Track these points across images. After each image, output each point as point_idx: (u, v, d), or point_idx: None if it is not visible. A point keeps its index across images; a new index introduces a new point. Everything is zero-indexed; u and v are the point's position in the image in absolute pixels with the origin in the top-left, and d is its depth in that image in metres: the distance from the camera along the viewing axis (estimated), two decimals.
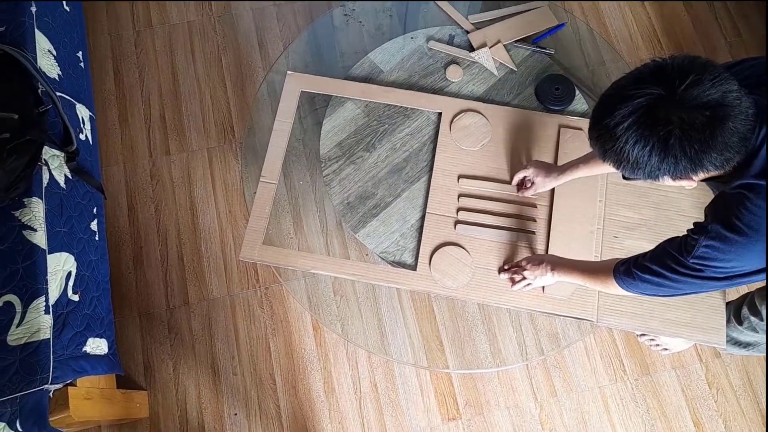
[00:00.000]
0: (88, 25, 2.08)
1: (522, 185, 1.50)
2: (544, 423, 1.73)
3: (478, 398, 1.75)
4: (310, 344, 1.81)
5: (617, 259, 1.21)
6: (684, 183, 0.94)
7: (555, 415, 1.74)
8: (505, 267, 1.44)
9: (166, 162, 2.04)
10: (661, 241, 1.12)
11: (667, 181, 0.93)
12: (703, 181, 0.99)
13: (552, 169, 1.44)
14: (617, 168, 0.95)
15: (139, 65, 2.17)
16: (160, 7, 2.25)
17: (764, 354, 1.55)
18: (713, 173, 0.92)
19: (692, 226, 1.04)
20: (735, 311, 1.50)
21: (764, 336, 1.46)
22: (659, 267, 1.08)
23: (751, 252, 0.95)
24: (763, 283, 1.54)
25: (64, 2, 1.81)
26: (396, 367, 1.78)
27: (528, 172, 1.46)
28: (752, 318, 1.44)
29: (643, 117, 0.87)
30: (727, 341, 1.49)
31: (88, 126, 1.74)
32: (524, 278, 1.37)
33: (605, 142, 0.92)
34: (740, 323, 1.49)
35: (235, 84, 2.14)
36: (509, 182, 1.52)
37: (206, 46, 2.20)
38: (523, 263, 1.38)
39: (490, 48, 1.67)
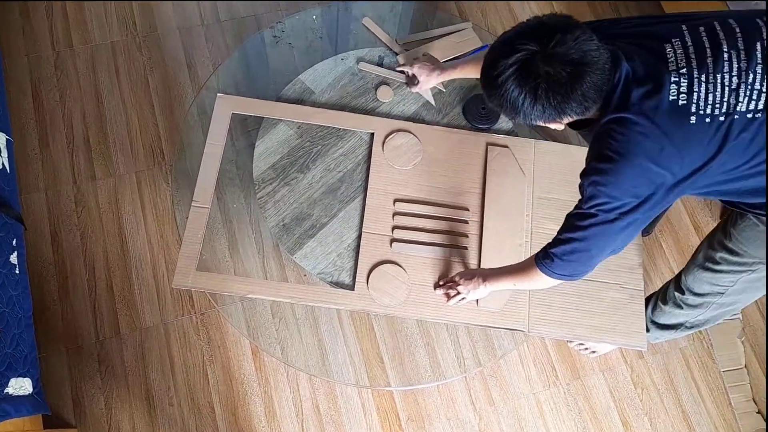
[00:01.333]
0: (2, 45, 1.99)
1: (412, 81, 1.66)
2: None
3: (419, 412, 1.78)
4: (249, 369, 1.78)
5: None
6: (553, 126, 1.11)
7: (493, 423, 1.79)
8: (440, 283, 1.48)
9: (92, 187, 1.96)
10: None
11: (539, 123, 1.08)
12: (573, 128, 1.17)
13: (435, 68, 1.59)
14: (500, 111, 1.09)
15: (59, 87, 2.08)
16: (81, 27, 2.18)
17: (691, 332, 1.62)
18: (576, 118, 1.07)
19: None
20: (662, 295, 1.58)
21: (689, 312, 1.52)
22: (567, 232, 1.18)
23: (623, 176, 1.07)
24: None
25: None
26: (338, 387, 1.78)
27: (413, 69, 1.61)
28: (675, 294, 1.52)
29: (520, 70, 1.00)
30: (656, 328, 1.59)
31: (4, 153, 1.66)
32: (459, 293, 1.41)
33: (491, 89, 1.05)
34: (665, 304, 1.57)
35: (163, 106, 2.09)
36: (442, 200, 1.57)
37: (132, 67, 2.14)
38: (457, 278, 1.42)
39: None
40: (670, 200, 1.12)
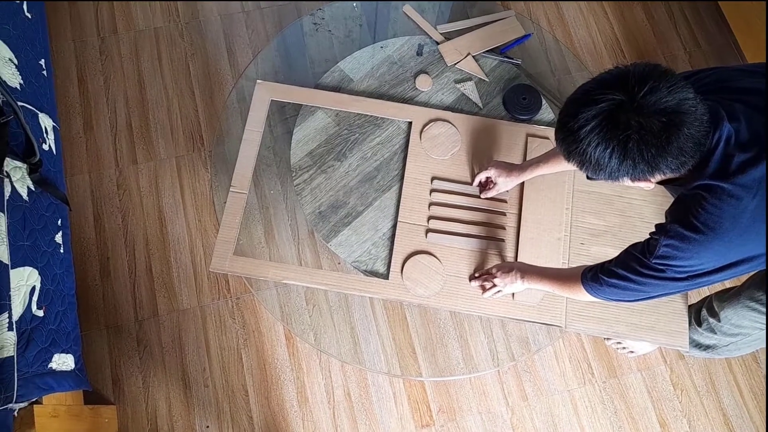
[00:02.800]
0: (50, 31, 2.04)
1: (484, 186, 1.52)
2: (516, 427, 1.76)
3: (450, 404, 1.77)
4: (282, 354, 1.80)
5: (585, 266, 1.24)
6: (642, 185, 0.99)
7: (526, 419, 1.76)
8: (476, 275, 1.46)
9: (133, 171, 2.00)
10: (626, 247, 1.16)
11: (626, 182, 0.98)
12: (660, 183, 1.04)
13: (513, 168, 1.47)
14: (581, 168, 0.98)
15: (104, 72, 2.13)
16: (125, 13, 2.22)
17: (723, 357, 1.60)
18: (669, 175, 0.97)
19: (654, 229, 1.08)
20: (695, 314, 1.55)
21: (722, 338, 1.50)
22: (625, 270, 1.11)
23: (708, 250, 0.99)
24: (721, 286, 1.59)
25: (25, 9, 1.77)
26: (369, 375, 1.79)
27: (490, 173, 1.48)
28: (710, 319, 1.49)
29: (605, 121, 0.90)
30: (690, 344, 1.54)
31: (51, 136, 1.71)
32: (494, 285, 1.39)
33: (570, 144, 0.96)
34: (699, 325, 1.53)
35: (203, 91, 2.12)
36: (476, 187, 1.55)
37: (174, 53, 2.17)
38: (493, 271, 1.40)
39: (463, 59, 1.70)
40: (748, 271, 1.02)
